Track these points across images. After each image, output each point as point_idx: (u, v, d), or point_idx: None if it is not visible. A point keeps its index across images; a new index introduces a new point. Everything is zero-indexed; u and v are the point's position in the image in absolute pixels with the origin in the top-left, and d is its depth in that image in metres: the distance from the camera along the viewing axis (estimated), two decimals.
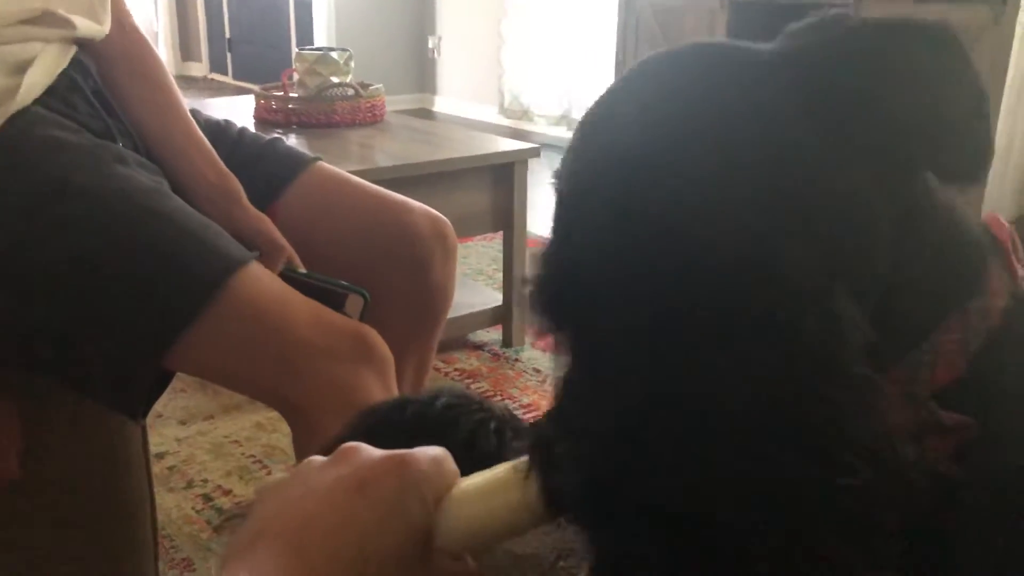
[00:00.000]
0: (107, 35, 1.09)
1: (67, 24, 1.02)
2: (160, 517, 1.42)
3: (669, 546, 0.40)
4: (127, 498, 1.19)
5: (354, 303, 1.07)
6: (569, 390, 0.45)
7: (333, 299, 1.04)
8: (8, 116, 0.94)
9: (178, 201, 0.97)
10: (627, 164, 0.42)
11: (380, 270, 1.19)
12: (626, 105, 0.44)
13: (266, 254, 1.07)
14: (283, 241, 1.10)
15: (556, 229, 0.45)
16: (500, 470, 0.49)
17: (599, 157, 0.43)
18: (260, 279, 0.94)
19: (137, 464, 1.20)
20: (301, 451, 0.99)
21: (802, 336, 0.38)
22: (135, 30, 1.15)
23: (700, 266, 0.39)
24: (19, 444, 1.00)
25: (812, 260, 0.39)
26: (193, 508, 1.63)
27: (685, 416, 0.39)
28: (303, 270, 1.12)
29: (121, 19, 1.13)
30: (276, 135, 1.28)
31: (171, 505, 1.64)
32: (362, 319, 1.06)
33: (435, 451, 0.49)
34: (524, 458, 0.48)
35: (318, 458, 0.48)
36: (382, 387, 0.96)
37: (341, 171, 1.25)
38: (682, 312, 0.39)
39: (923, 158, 0.43)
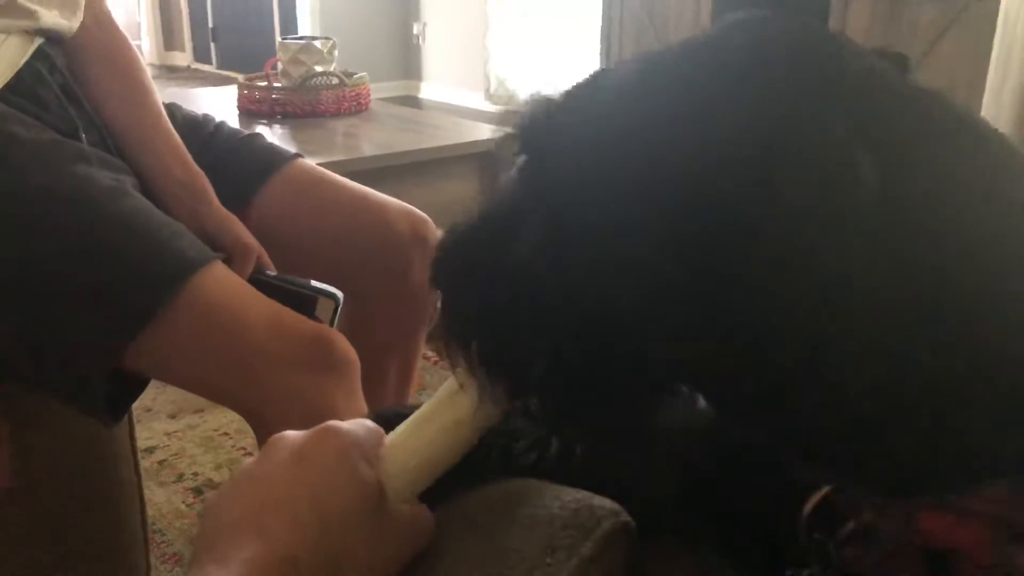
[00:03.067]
0: (80, 26, 1.08)
1: (30, 15, 1.00)
2: (151, 511, 1.42)
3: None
4: (115, 493, 1.19)
5: (325, 306, 1.05)
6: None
7: (304, 302, 1.03)
8: None
9: (138, 201, 0.95)
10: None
11: (358, 272, 1.18)
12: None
13: (234, 256, 1.05)
14: (252, 242, 1.08)
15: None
16: (422, 408, 0.52)
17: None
18: (219, 282, 0.92)
19: (124, 458, 1.19)
20: None
21: None
22: (110, 23, 1.13)
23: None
24: (11, 449, 0.99)
25: None
26: (184, 502, 1.63)
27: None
28: (273, 272, 1.09)
29: (96, 11, 1.11)
30: (256, 131, 1.25)
31: (162, 499, 1.63)
32: (334, 322, 1.05)
33: (359, 419, 0.52)
34: (443, 386, 0.51)
35: (250, 459, 0.50)
36: (345, 393, 0.93)
37: (320, 168, 1.23)
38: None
39: None
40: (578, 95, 0.45)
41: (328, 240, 1.18)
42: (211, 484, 1.68)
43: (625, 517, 0.54)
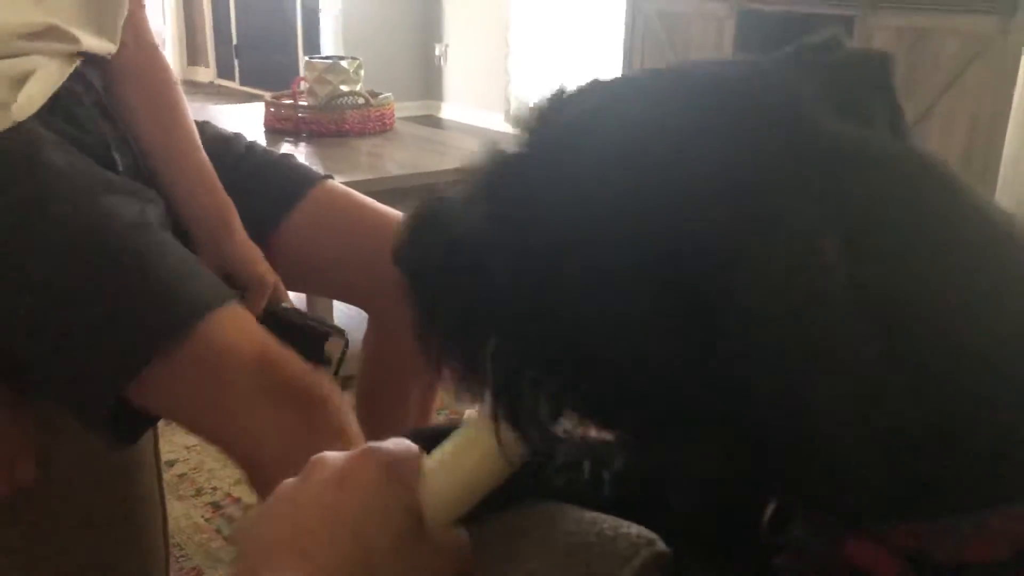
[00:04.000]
0: (120, 46, 1.09)
1: (72, 39, 1.02)
2: (169, 525, 1.43)
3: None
4: (138, 505, 1.19)
5: (335, 344, 1.05)
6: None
7: (314, 339, 1.03)
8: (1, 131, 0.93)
9: (157, 236, 0.95)
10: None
11: (383, 294, 1.17)
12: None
13: (249, 288, 1.05)
14: (269, 275, 1.08)
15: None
16: (461, 433, 0.52)
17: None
18: (221, 327, 0.91)
19: (148, 470, 1.20)
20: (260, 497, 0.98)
21: None
22: (150, 44, 1.14)
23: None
24: (35, 448, 1.00)
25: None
26: (202, 516, 1.64)
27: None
28: (287, 305, 1.09)
29: (137, 34, 1.12)
30: (287, 151, 1.26)
31: (180, 513, 1.64)
32: (342, 360, 1.05)
33: (399, 438, 0.51)
34: (477, 412, 0.51)
35: (290, 480, 0.50)
36: (328, 434, 0.92)
37: (349, 190, 1.23)
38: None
39: None
40: (548, 129, 0.46)
41: (355, 262, 1.18)
42: (230, 498, 1.68)
43: (661, 546, 0.54)
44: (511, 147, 0.47)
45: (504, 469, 0.52)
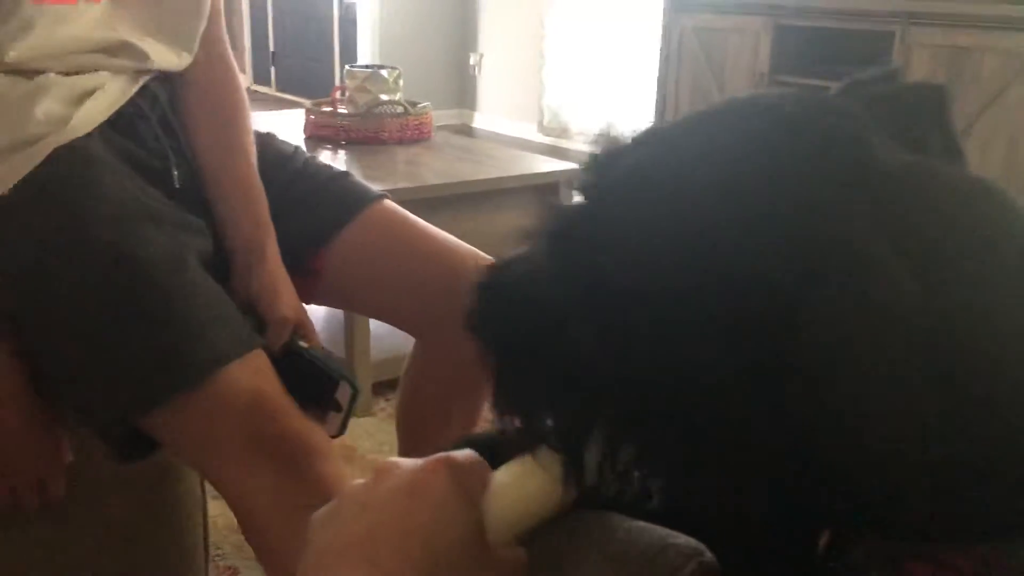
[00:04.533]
0: (192, 64, 1.10)
1: (142, 57, 1.03)
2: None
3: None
4: (180, 504, 1.21)
5: (345, 391, 1.05)
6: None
7: (327, 383, 1.04)
8: (55, 147, 0.94)
9: (192, 275, 0.95)
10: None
11: (428, 321, 1.17)
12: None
13: (270, 325, 1.05)
14: (291, 314, 1.07)
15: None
16: (529, 455, 0.52)
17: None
18: (237, 377, 0.91)
19: (191, 472, 1.22)
20: (255, 549, 0.99)
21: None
22: (224, 62, 1.14)
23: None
24: (68, 460, 1.01)
25: None
26: None
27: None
28: (306, 344, 1.08)
29: (211, 47, 1.12)
30: (330, 162, 1.26)
31: (216, 513, 1.65)
32: (351, 407, 1.05)
33: (467, 450, 0.52)
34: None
35: (359, 481, 0.50)
36: (321, 489, 0.91)
37: (403, 211, 1.22)
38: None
39: None
40: (611, 185, 0.47)
41: (405, 285, 1.17)
42: None
43: (710, 557, 0.55)
44: (572, 204, 0.48)
45: (570, 497, 0.53)
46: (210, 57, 1.13)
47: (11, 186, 0.92)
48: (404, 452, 1.29)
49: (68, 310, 0.91)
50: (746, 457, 0.41)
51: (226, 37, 1.16)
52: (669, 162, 0.45)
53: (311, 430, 0.94)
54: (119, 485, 1.11)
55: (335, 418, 1.06)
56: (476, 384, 1.22)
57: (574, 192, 0.48)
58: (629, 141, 0.47)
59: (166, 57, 1.07)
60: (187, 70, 1.10)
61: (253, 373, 0.92)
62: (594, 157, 0.47)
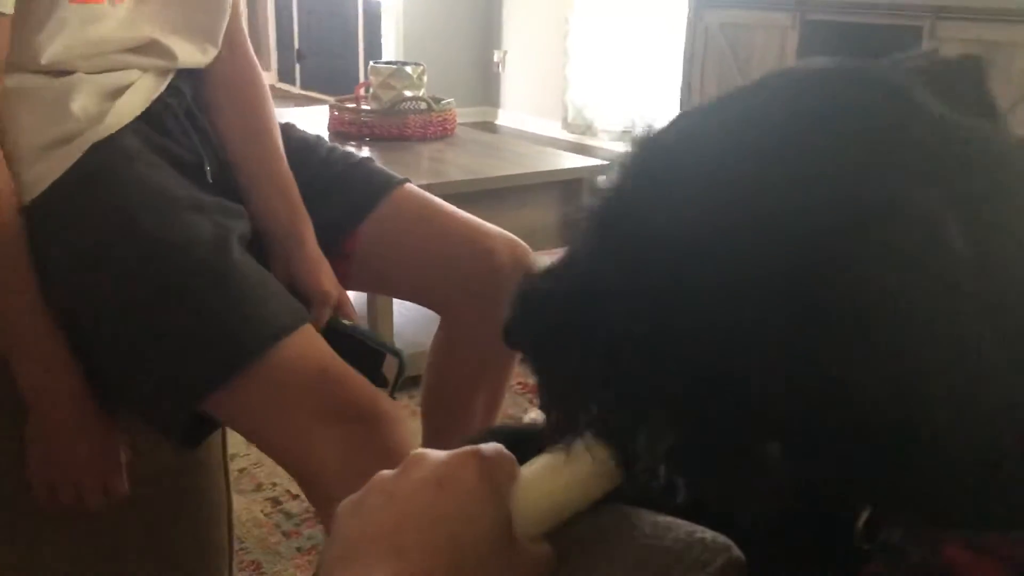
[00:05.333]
0: (216, 59, 1.11)
1: (170, 55, 1.04)
2: None
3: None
4: (205, 499, 1.22)
5: (392, 363, 1.07)
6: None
7: (373, 356, 1.05)
8: (93, 143, 0.95)
9: (239, 256, 0.97)
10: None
11: (457, 297, 1.19)
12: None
13: (313, 302, 1.07)
14: (333, 291, 1.10)
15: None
16: (557, 449, 0.52)
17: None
18: (299, 347, 0.94)
19: (216, 467, 1.22)
20: (321, 514, 1.00)
21: None
22: (245, 55, 1.16)
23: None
24: (127, 458, 1.02)
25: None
26: (262, 511, 1.66)
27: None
28: (348, 322, 1.11)
29: (233, 41, 1.14)
30: (366, 155, 1.28)
31: (240, 507, 1.67)
32: (398, 380, 1.07)
33: (495, 443, 0.51)
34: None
35: (387, 472, 0.50)
36: (384, 452, 0.93)
37: (427, 194, 1.24)
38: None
39: None
40: (661, 149, 0.46)
41: (431, 266, 1.19)
42: (289, 494, 1.71)
43: (737, 552, 0.54)
44: (611, 182, 0.47)
45: (596, 495, 0.52)
46: (232, 52, 1.14)
47: (51, 182, 0.93)
48: (429, 434, 1.30)
49: (123, 301, 0.92)
50: (805, 425, 0.40)
51: (245, 30, 1.18)
52: (713, 127, 0.44)
53: (377, 395, 0.96)
54: (144, 480, 1.12)
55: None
56: (502, 364, 1.25)
57: (616, 167, 0.47)
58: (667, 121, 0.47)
59: (191, 54, 1.08)
60: (211, 66, 1.12)
61: (312, 343, 0.95)
62: (635, 134, 0.46)
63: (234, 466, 1.80)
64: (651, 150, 0.45)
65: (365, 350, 1.06)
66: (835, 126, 0.40)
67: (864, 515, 0.48)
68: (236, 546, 1.53)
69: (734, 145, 0.42)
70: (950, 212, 0.36)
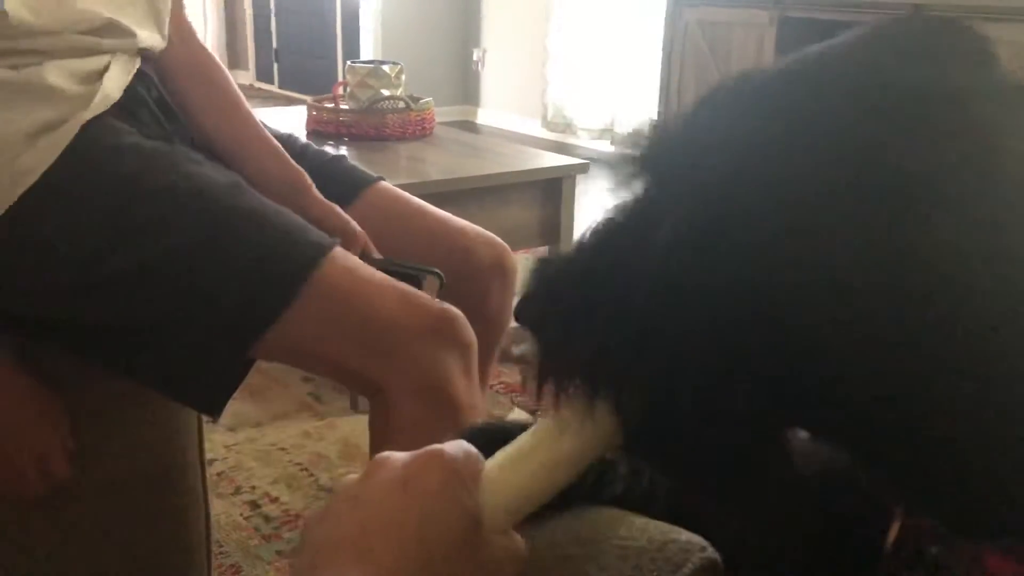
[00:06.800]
0: (169, 46, 1.12)
1: (130, 35, 1.04)
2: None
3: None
4: (182, 502, 1.21)
5: (431, 285, 1.07)
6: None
7: (410, 283, 1.05)
8: (83, 123, 0.95)
9: (256, 195, 0.98)
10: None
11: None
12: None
13: (343, 241, 1.06)
14: (357, 227, 1.11)
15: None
16: (522, 440, 0.52)
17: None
18: (345, 263, 0.96)
19: (192, 467, 1.21)
20: (377, 432, 1.00)
21: None
22: (192, 37, 1.17)
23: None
24: (70, 445, 1.01)
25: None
26: (241, 515, 1.65)
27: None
28: (377, 256, 1.12)
29: (182, 29, 1.15)
30: (340, 152, 1.28)
31: (219, 511, 1.66)
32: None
33: (459, 441, 0.51)
34: (544, 421, 0.51)
35: (351, 477, 0.50)
36: (463, 370, 0.96)
37: (403, 192, 1.24)
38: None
39: None
40: (698, 122, 0.45)
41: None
42: (268, 498, 1.70)
43: (712, 553, 0.54)
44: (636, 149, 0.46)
45: (563, 481, 0.52)
46: (181, 36, 1.14)
47: (45, 169, 0.92)
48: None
49: (165, 255, 0.91)
50: (873, 423, 0.40)
51: (189, 21, 1.18)
52: (726, 105, 0.44)
53: (455, 310, 0.98)
54: (121, 482, 1.11)
55: None
56: (482, 362, 1.23)
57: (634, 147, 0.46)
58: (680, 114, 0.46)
59: (148, 37, 1.07)
60: (167, 55, 1.12)
61: (353, 259, 0.97)
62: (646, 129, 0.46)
63: (212, 470, 1.78)
64: (697, 114, 0.45)
65: (403, 277, 1.05)
66: (880, 97, 0.41)
67: (894, 530, 0.47)
68: (215, 550, 1.52)
69: (753, 122, 0.42)
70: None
